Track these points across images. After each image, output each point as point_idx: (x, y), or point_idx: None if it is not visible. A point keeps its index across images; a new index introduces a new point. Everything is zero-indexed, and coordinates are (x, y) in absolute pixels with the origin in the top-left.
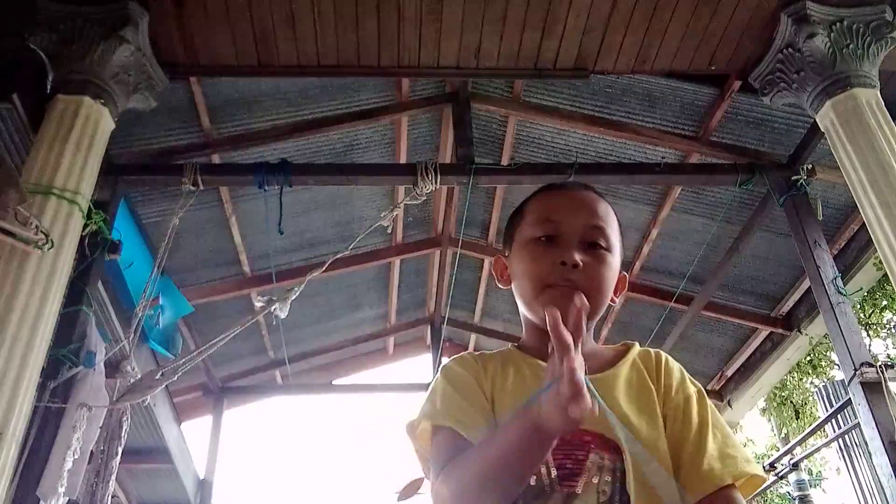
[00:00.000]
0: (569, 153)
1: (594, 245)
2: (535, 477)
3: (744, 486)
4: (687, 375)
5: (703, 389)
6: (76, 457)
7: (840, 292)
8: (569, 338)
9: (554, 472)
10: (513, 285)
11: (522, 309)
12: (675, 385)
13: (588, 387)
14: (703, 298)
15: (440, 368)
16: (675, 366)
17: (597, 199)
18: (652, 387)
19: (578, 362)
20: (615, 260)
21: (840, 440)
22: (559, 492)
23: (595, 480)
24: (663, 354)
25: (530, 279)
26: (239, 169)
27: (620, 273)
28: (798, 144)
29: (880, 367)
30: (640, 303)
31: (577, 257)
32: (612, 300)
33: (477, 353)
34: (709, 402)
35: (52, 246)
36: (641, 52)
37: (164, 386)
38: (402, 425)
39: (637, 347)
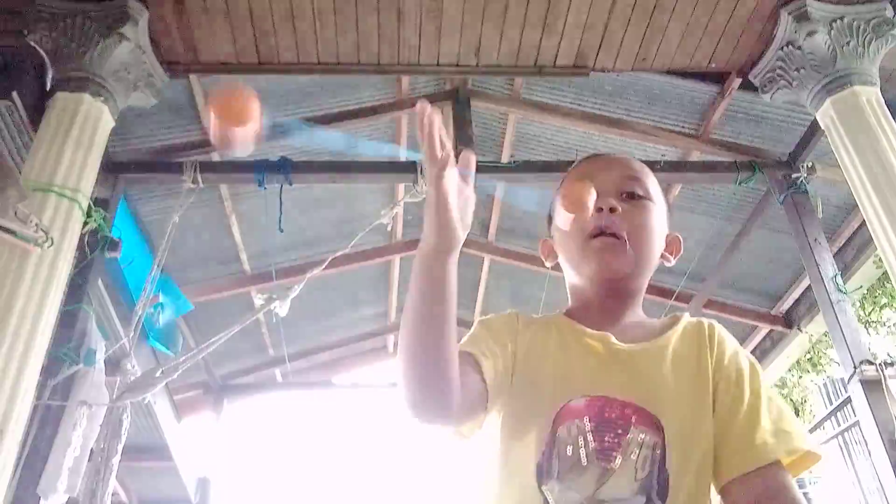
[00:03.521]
0: (569, 151)
1: (632, 195)
2: (571, 447)
3: (798, 463)
4: (741, 348)
5: (757, 363)
6: (76, 455)
7: (840, 290)
8: (446, 144)
9: (592, 445)
10: (559, 258)
11: (571, 276)
12: (728, 357)
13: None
14: (703, 296)
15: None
16: (728, 337)
17: (630, 158)
18: (702, 358)
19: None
20: (659, 209)
21: (840, 438)
22: (595, 465)
23: (633, 457)
24: (716, 325)
25: (572, 238)
26: (239, 167)
27: (672, 234)
28: (798, 142)
29: (880, 364)
30: None
31: (612, 202)
32: (665, 258)
33: (524, 314)
34: (763, 376)
35: (52, 244)
36: (641, 50)
37: (164, 384)
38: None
39: (687, 317)
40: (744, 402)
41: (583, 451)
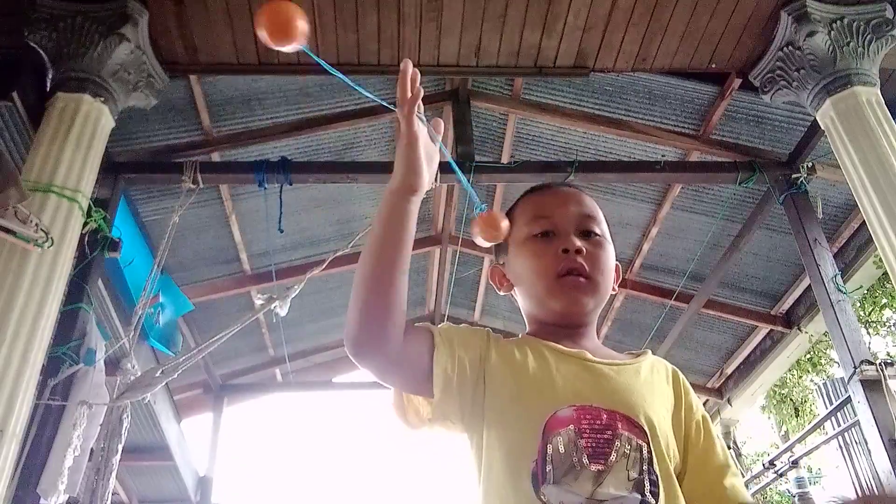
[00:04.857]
0: (569, 151)
1: (589, 233)
2: (564, 453)
3: None
4: (693, 393)
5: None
6: (76, 454)
7: (840, 290)
8: (416, 90)
9: (584, 449)
10: (516, 289)
11: (531, 307)
12: (694, 404)
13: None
14: (703, 296)
15: None
16: (684, 379)
17: (581, 192)
18: (670, 393)
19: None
20: (610, 247)
21: (840, 438)
22: (589, 469)
23: (624, 459)
24: (675, 369)
25: (537, 274)
26: (239, 167)
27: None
28: (798, 142)
29: (880, 364)
30: (640, 301)
31: (579, 243)
32: (613, 289)
33: (496, 334)
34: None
35: (52, 244)
36: (641, 50)
37: (164, 383)
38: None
39: (650, 353)
40: (716, 446)
41: (576, 456)
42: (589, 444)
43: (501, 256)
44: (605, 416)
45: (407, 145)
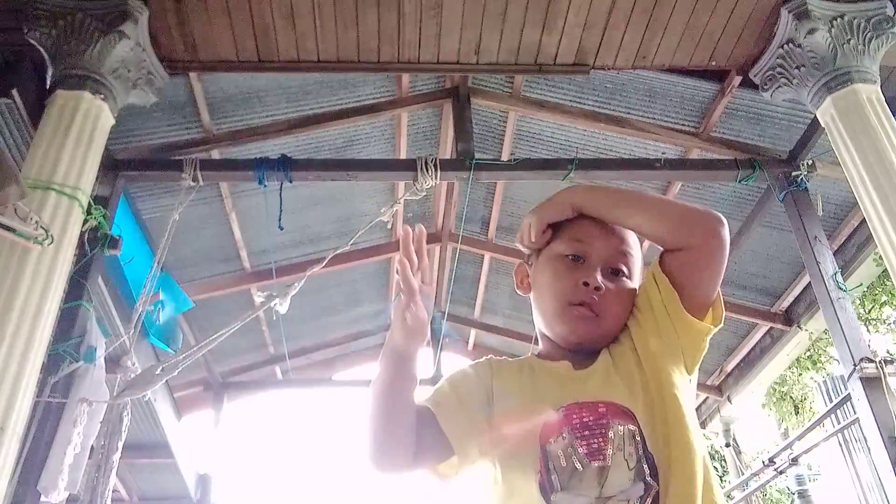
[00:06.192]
0: (569, 148)
1: (617, 272)
2: (563, 458)
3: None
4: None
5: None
6: (77, 451)
7: (840, 288)
8: (415, 282)
9: (581, 450)
10: (532, 295)
11: (539, 322)
12: (639, 312)
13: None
14: None
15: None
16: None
17: (626, 231)
18: (631, 341)
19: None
20: (633, 287)
21: (839, 435)
22: (591, 467)
23: (621, 449)
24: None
25: (552, 294)
26: (239, 164)
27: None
28: (798, 140)
29: (880, 362)
30: None
31: (600, 280)
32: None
33: (498, 359)
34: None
35: (52, 241)
36: (642, 48)
37: (164, 381)
38: None
39: None
40: (658, 308)
41: (575, 458)
42: (584, 443)
43: (532, 258)
44: (590, 408)
45: (402, 329)
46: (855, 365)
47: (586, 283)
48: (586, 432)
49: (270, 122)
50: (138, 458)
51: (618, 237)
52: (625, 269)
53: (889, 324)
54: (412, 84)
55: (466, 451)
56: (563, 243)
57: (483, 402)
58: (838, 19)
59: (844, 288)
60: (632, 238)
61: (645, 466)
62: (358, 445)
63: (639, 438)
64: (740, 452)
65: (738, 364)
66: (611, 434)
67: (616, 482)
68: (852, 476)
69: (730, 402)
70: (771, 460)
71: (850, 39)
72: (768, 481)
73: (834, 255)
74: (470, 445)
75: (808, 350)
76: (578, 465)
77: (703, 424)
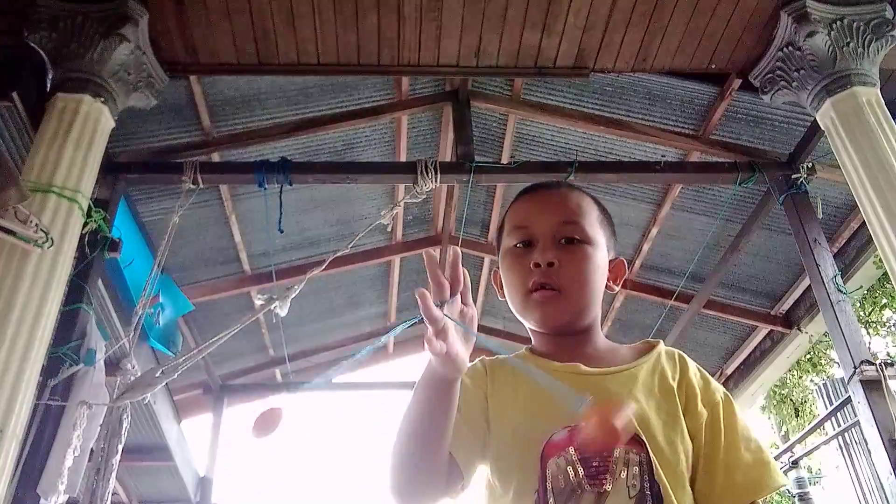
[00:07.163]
0: (569, 151)
1: (570, 240)
2: (563, 477)
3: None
4: (712, 381)
5: (729, 394)
6: (76, 454)
7: (840, 290)
8: (438, 314)
9: (581, 472)
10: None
11: (520, 319)
12: (700, 392)
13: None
14: (702, 296)
15: None
16: (696, 369)
17: (567, 193)
18: (674, 388)
19: (440, 315)
20: (597, 250)
21: (840, 438)
22: (589, 491)
23: (623, 475)
24: (687, 358)
25: (513, 289)
26: (239, 167)
27: (617, 259)
28: (798, 143)
29: (880, 365)
30: (639, 301)
31: (549, 256)
32: (609, 287)
33: (491, 359)
34: (736, 406)
35: (52, 244)
36: (641, 51)
37: (164, 384)
38: None
39: (661, 347)
40: (721, 439)
41: (574, 481)
42: (587, 465)
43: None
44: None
45: (442, 364)
46: (855, 367)
47: (537, 265)
48: (590, 455)
49: (271, 125)
50: (138, 460)
51: (557, 207)
52: (577, 234)
53: (889, 326)
54: (412, 87)
55: (474, 471)
56: (509, 236)
57: (482, 410)
58: (838, 22)
59: (844, 290)
60: (575, 201)
61: (648, 494)
62: (381, 476)
63: (646, 465)
64: None
65: (738, 367)
66: (615, 457)
67: None
68: (853, 479)
69: None
70: None
71: (849, 42)
72: None
73: (834, 257)
74: (477, 463)
75: (809, 353)
76: (578, 488)
77: None
